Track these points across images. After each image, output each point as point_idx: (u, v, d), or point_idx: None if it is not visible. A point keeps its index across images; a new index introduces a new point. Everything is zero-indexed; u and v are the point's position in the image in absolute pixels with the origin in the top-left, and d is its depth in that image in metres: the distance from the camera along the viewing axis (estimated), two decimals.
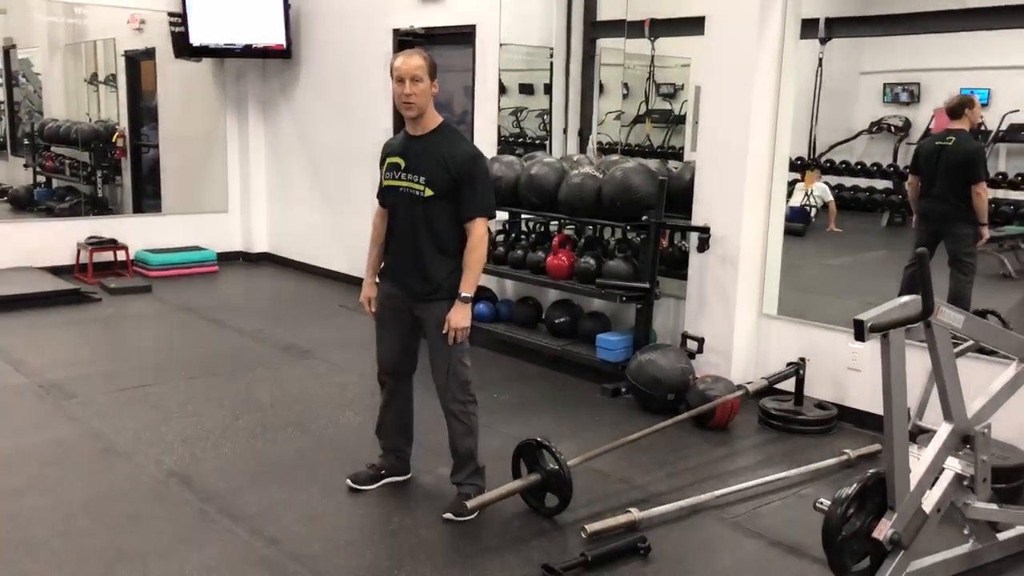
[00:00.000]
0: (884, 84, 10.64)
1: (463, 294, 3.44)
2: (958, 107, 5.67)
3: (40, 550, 3.22)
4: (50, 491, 3.71)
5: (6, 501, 3.60)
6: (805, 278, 7.42)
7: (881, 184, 10.27)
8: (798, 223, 9.39)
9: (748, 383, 4.70)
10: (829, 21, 8.35)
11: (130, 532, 3.37)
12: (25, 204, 10.53)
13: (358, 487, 3.72)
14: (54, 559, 3.16)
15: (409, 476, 3.86)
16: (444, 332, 3.44)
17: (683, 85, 7.64)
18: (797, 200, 9.64)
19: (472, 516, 3.51)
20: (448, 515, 3.51)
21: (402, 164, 3.48)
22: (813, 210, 9.58)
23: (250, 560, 3.19)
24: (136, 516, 3.50)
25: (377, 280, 3.68)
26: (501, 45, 6.63)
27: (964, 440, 3.04)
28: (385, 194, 3.58)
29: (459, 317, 3.44)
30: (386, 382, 3.75)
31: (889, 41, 9.38)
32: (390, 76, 3.41)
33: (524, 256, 5.77)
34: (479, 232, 3.44)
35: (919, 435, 3.50)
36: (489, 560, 3.25)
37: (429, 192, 3.41)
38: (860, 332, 2.73)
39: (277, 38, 8.08)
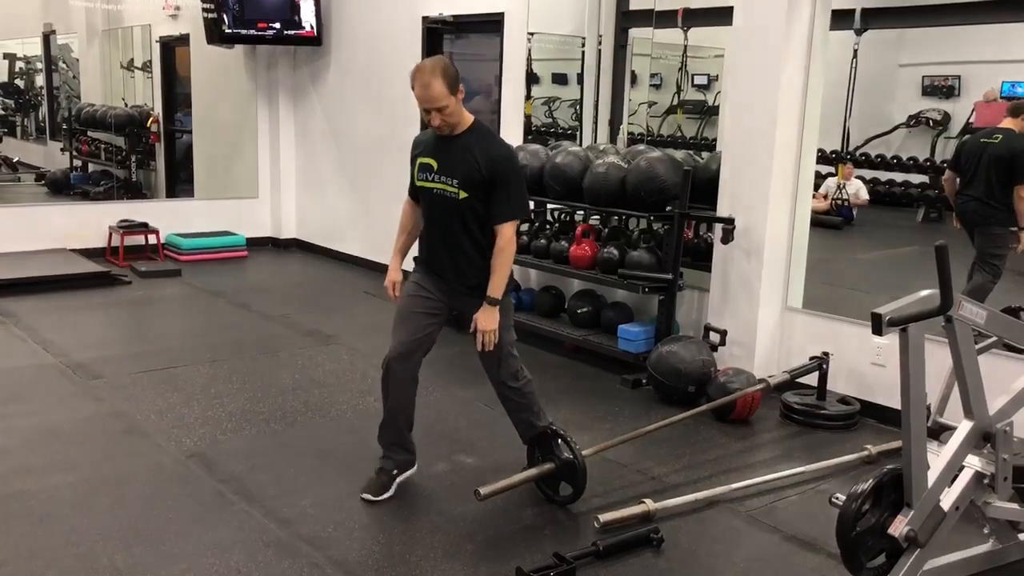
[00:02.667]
0: (923, 76, 10.44)
1: (491, 296, 3.37)
2: (1021, 107, 5.55)
3: (60, 526, 3.27)
4: (72, 469, 3.77)
5: (29, 478, 3.67)
6: (835, 272, 7.34)
7: (917, 179, 10.10)
8: (837, 218, 9.32)
9: (770, 376, 4.65)
10: (865, 12, 8.22)
11: (148, 511, 3.42)
12: (61, 188, 10.72)
13: (376, 498, 3.54)
14: (73, 535, 3.21)
15: (416, 466, 3.74)
16: (472, 331, 3.39)
17: (717, 76, 7.56)
18: (829, 192, 9.53)
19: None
20: None
21: (435, 165, 3.42)
22: (845, 203, 9.47)
23: (264, 541, 3.22)
24: (155, 495, 3.55)
25: (414, 268, 3.63)
26: (531, 34, 6.60)
27: (985, 438, 2.97)
28: (419, 193, 3.54)
29: (487, 320, 3.37)
30: (392, 373, 3.48)
31: (929, 33, 9.21)
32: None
33: (547, 245, 5.75)
34: (507, 234, 3.37)
35: (941, 432, 3.43)
36: (501, 547, 3.26)
37: (464, 194, 3.35)
38: (878, 326, 2.69)
39: (308, 25, 8.11)
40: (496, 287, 3.37)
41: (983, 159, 5.48)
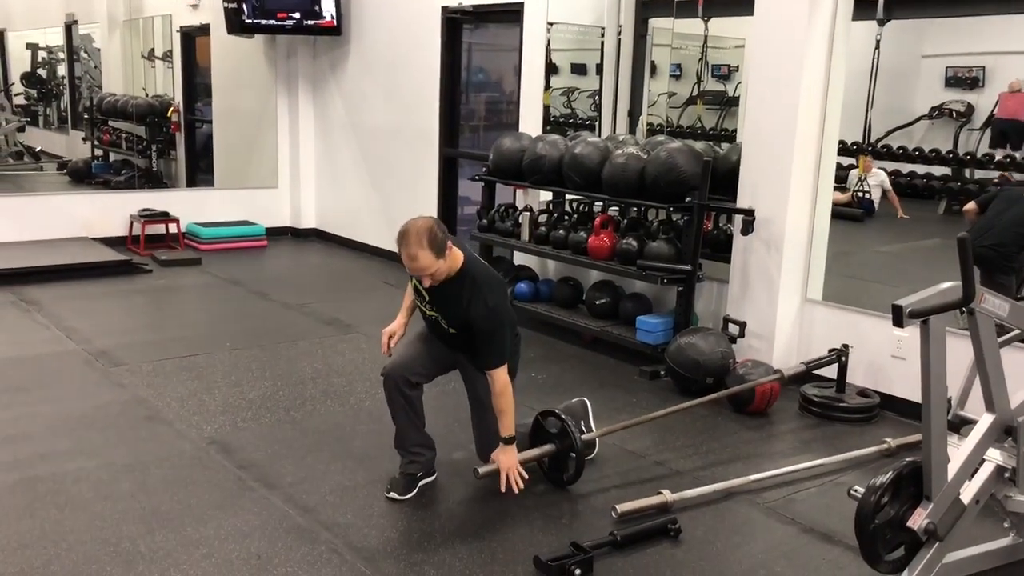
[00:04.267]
0: (947, 67, 10.33)
1: (505, 437, 3.43)
2: None
3: (83, 511, 3.32)
4: (95, 454, 3.82)
5: (53, 463, 3.72)
6: (855, 264, 7.29)
7: (939, 171, 10.01)
8: (858, 210, 9.23)
9: (787, 368, 4.62)
10: (888, 2, 8.13)
11: (169, 496, 3.46)
12: (83, 177, 10.82)
13: (402, 497, 3.52)
14: (96, 519, 3.25)
15: (435, 475, 3.72)
16: (495, 470, 3.45)
17: (738, 66, 7.51)
18: (850, 185, 9.45)
19: (592, 455, 3.88)
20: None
21: (427, 297, 3.47)
22: (867, 195, 9.39)
23: (284, 527, 3.25)
24: (176, 481, 3.59)
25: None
26: (551, 24, 6.58)
27: (1006, 431, 2.96)
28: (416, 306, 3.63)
29: (506, 459, 3.44)
30: (392, 382, 3.50)
31: (953, 23, 9.10)
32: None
33: (566, 236, 5.74)
34: (500, 380, 3.38)
35: (961, 426, 3.41)
36: (519, 536, 3.27)
37: (453, 331, 3.45)
38: (899, 318, 2.67)
39: (327, 14, 8.13)
40: (506, 427, 3.43)
41: (1012, 209, 5.43)
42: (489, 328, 3.35)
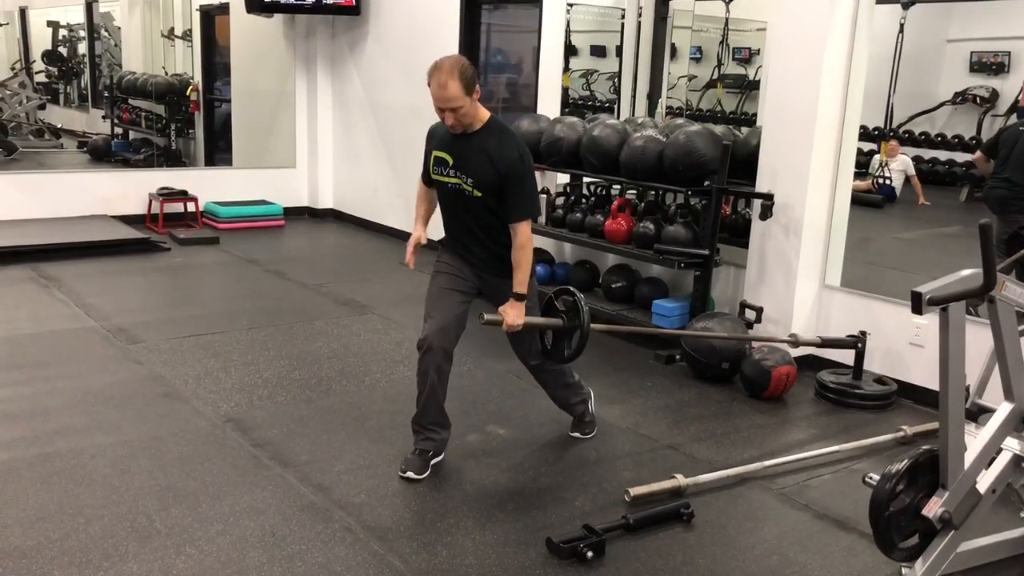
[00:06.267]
0: (971, 52, 10.20)
1: (517, 292, 3.42)
2: None
3: (100, 486, 3.35)
4: (112, 430, 3.85)
5: (71, 438, 3.76)
6: (874, 251, 7.24)
7: (962, 157, 9.91)
8: (879, 196, 9.16)
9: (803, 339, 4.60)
10: None
11: (185, 473, 3.48)
12: (103, 155, 10.86)
13: (419, 476, 3.52)
14: (113, 495, 3.28)
15: (442, 454, 3.72)
16: (499, 321, 3.43)
17: (759, 50, 7.45)
18: (872, 171, 9.36)
19: (594, 433, 3.98)
20: (575, 434, 3.98)
21: (450, 161, 3.44)
22: (887, 181, 9.30)
23: (298, 505, 3.27)
24: (192, 458, 3.62)
25: (440, 247, 3.67)
26: (570, 5, 6.54)
27: None
28: (435, 185, 3.57)
29: (514, 316, 3.42)
30: (432, 352, 3.46)
31: (979, 7, 8.99)
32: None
33: (583, 219, 5.72)
34: (525, 233, 3.39)
35: (979, 414, 3.38)
36: (531, 518, 3.28)
37: (478, 193, 3.41)
38: (917, 305, 2.65)
39: None
40: (520, 283, 3.42)
41: (1017, 146, 5.44)
42: (519, 173, 3.36)
